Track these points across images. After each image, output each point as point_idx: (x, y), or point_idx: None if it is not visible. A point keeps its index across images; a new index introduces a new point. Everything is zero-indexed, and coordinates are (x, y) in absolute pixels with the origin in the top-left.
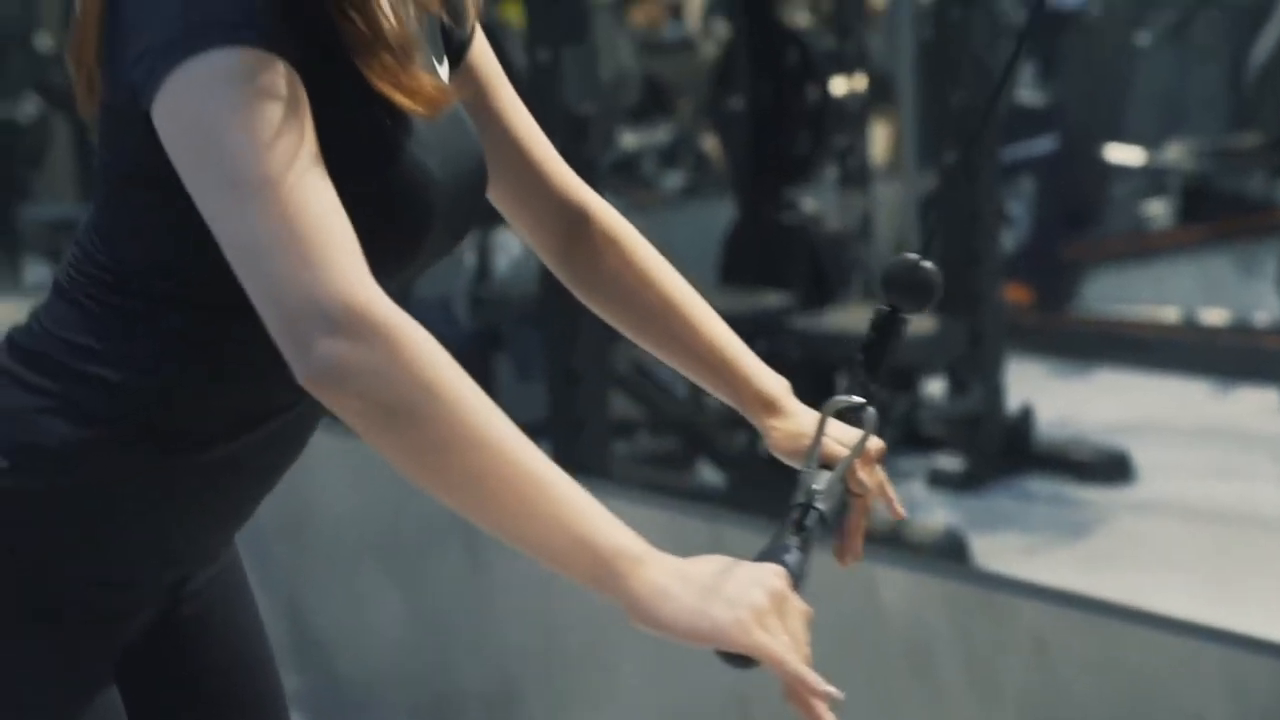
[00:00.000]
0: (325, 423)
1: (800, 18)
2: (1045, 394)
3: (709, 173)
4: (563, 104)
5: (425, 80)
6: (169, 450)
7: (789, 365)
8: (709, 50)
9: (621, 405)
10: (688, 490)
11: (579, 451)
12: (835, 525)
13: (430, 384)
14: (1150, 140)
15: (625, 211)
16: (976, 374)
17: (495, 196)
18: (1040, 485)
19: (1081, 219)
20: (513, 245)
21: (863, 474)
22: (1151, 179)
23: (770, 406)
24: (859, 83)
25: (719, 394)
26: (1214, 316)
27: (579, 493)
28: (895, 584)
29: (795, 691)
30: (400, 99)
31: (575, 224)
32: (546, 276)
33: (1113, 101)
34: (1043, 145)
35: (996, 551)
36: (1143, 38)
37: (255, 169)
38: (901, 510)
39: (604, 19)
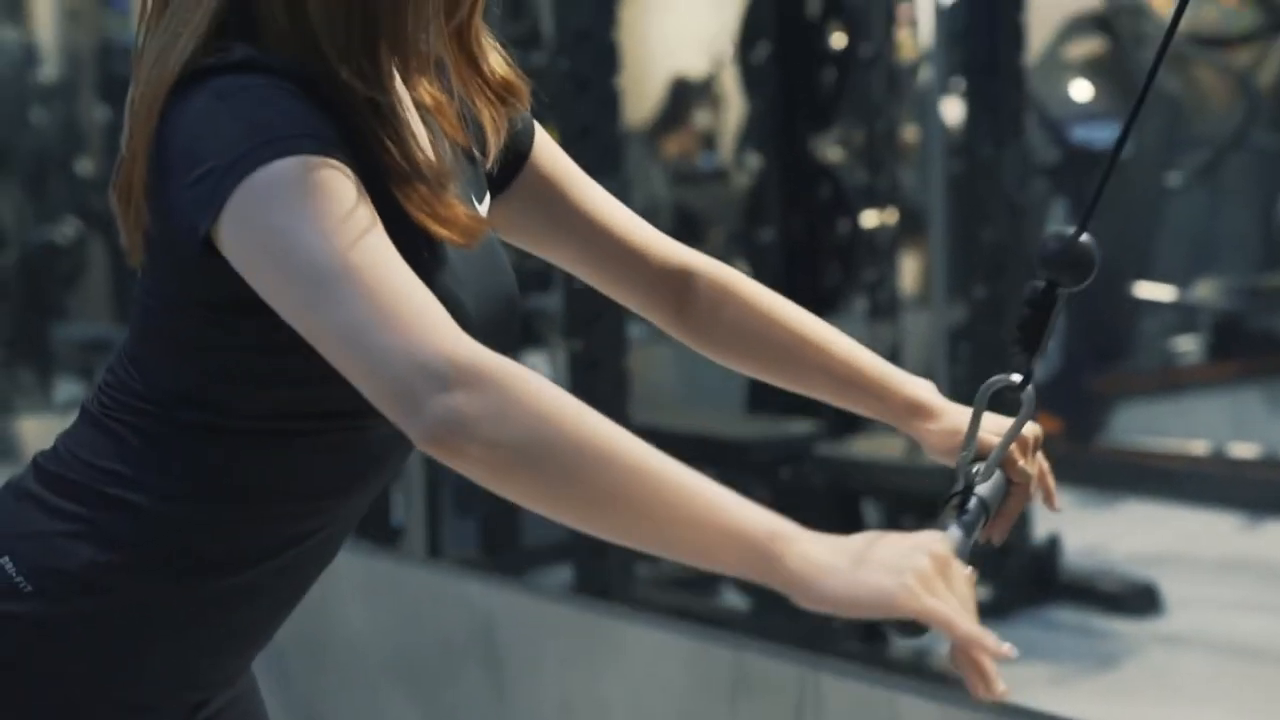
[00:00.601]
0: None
1: (832, 152)
2: (1073, 524)
3: None
4: None
5: (460, 210)
6: (193, 575)
7: (814, 493)
8: (741, 181)
9: None
10: (711, 615)
11: (601, 574)
12: (994, 513)
13: (550, 415)
14: (1180, 278)
15: (655, 338)
16: None
17: (600, 283)
18: (1067, 616)
19: (1111, 353)
20: (541, 371)
21: (1022, 462)
22: (1181, 315)
23: (920, 410)
24: (889, 216)
25: (866, 411)
26: (1244, 450)
27: (716, 487)
28: (920, 714)
29: (966, 653)
30: (435, 228)
31: (683, 288)
32: None
33: (1143, 239)
34: None
35: (1022, 682)
36: (1173, 178)
37: (335, 258)
38: (1058, 504)
39: (637, 150)
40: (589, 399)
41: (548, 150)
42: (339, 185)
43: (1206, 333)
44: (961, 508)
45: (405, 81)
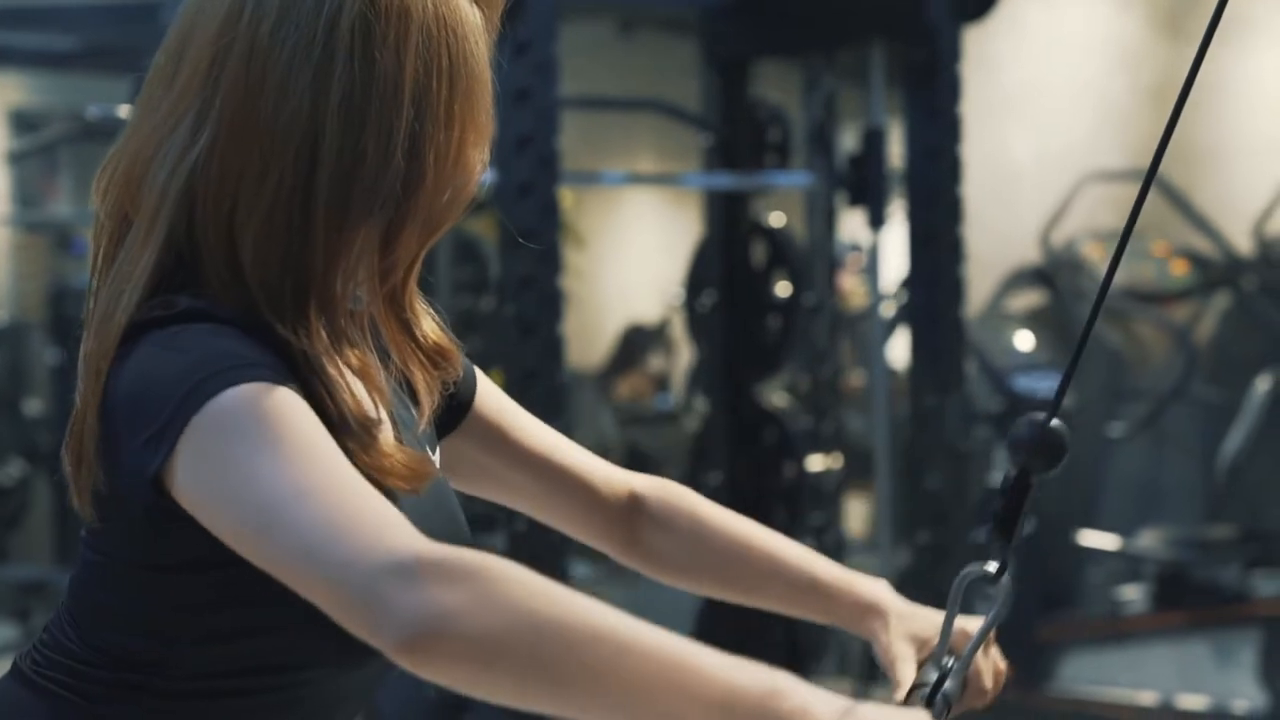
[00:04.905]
0: None
1: (778, 397)
2: None
3: None
4: None
5: (396, 458)
6: None
7: None
8: (691, 423)
9: None
10: None
11: None
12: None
13: (532, 595)
14: (1124, 527)
15: (604, 579)
16: None
17: (550, 519)
18: None
19: (1056, 600)
20: None
21: (979, 656)
22: (1126, 564)
23: (874, 610)
24: (835, 460)
25: (821, 615)
26: (1192, 702)
27: (707, 654)
28: None
29: None
30: (376, 476)
31: (633, 514)
32: None
33: (1086, 488)
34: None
35: None
36: (1116, 429)
37: (293, 482)
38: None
39: (588, 392)
40: None
41: (490, 396)
42: (293, 409)
43: (1151, 582)
44: (930, 700)
45: (332, 342)
